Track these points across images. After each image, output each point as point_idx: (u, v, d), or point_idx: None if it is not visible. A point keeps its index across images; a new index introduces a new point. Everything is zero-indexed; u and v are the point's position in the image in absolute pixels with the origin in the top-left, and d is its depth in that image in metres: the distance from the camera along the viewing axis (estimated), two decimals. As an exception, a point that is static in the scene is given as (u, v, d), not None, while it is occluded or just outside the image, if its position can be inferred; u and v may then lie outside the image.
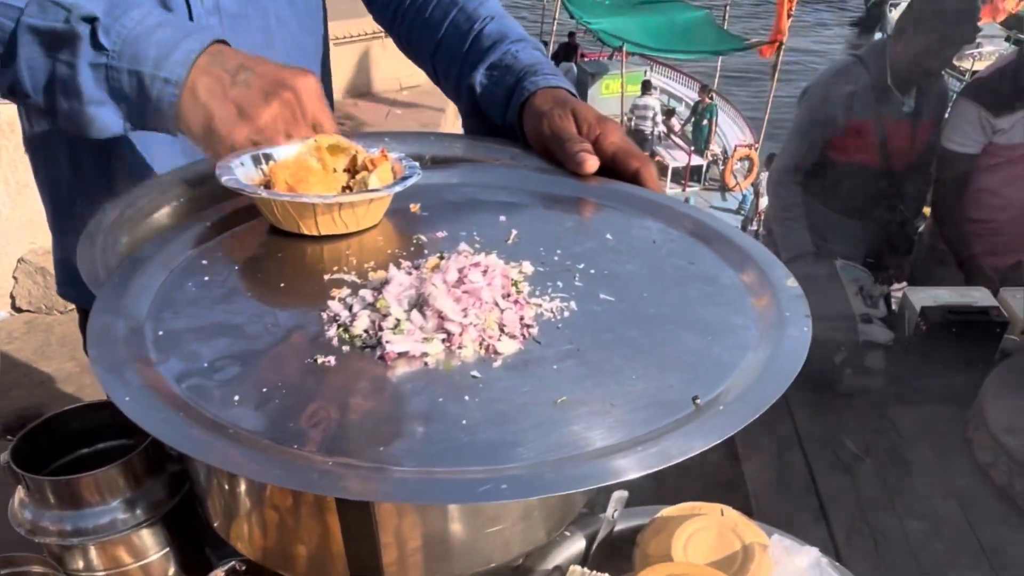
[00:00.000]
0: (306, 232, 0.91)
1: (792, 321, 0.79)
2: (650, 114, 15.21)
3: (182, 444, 0.61)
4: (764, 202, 12.61)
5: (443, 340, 0.74)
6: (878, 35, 20.23)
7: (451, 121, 6.10)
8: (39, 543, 0.91)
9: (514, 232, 0.95)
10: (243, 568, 0.91)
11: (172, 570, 0.97)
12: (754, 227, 12.33)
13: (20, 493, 0.92)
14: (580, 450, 0.64)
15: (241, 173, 0.90)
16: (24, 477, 0.89)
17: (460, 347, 0.74)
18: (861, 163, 3.07)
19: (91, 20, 0.91)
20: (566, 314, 0.80)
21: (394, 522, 0.73)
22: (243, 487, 0.76)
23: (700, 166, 15.54)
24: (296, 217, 0.90)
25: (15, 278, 3.59)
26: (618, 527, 1.00)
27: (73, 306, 3.59)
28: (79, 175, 1.25)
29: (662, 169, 15.30)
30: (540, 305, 0.81)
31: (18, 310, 3.64)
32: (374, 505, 0.69)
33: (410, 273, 0.81)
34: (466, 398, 0.68)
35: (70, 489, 0.89)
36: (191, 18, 1.15)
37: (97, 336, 0.71)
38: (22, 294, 3.61)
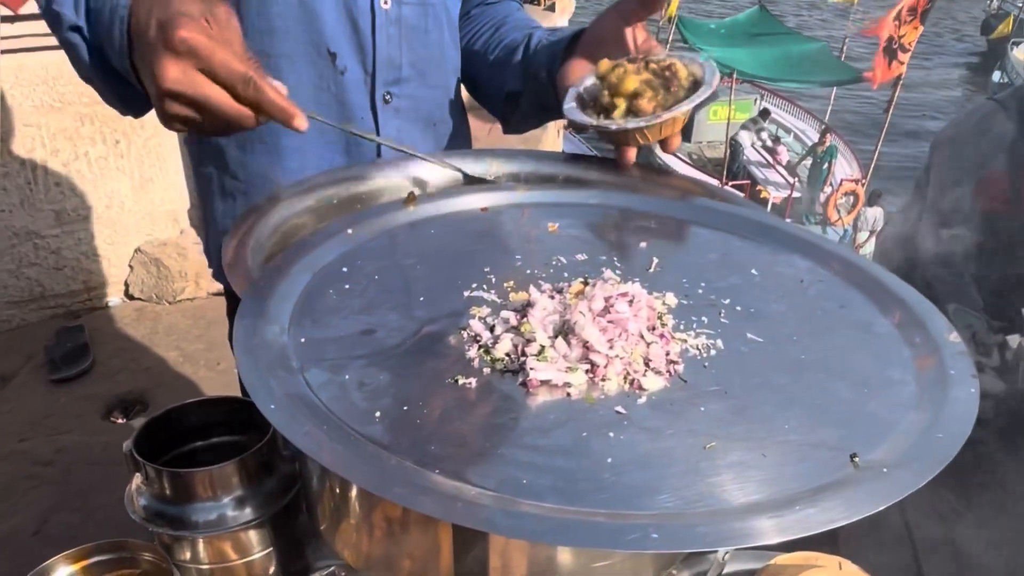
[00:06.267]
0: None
1: (958, 380, 0.74)
2: (763, 133, 15.01)
3: (324, 458, 0.60)
4: (861, 237, 12.23)
5: (587, 371, 0.71)
6: (996, 74, 19.46)
7: (552, 138, 6.09)
8: (151, 531, 0.92)
9: (655, 260, 0.91)
10: (342, 575, 0.91)
11: (273, 569, 0.97)
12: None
13: (137, 480, 0.93)
14: (731, 503, 0.60)
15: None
16: (144, 466, 0.90)
17: (604, 379, 0.71)
18: (991, 211, 2.92)
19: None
20: (712, 352, 0.77)
21: (505, 547, 0.71)
22: (355, 495, 0.75)
23: (799, 198, 15.22)
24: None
25: (131, 267, 3.73)
26: (727, 569, 0.95)
27: (180, 298, 3.71)
28: (227, 161, 1.29)
29: (762, 203, 15.02)
30: (685, 341, 0.77)
31: (131, 297, 3.77)
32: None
33: (553, 297, 0.79)
34: (611, 435, 0.65)
35: (186, 482, 0.90)
36: (374, 25, 1.18)
37: (243, 341, 0.71)
38: (135, 283, 3.73)
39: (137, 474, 0.92)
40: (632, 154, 1.07)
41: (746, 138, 14.94)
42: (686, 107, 1.01)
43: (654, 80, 1.03)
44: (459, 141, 1.38)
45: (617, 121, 1.02)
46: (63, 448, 2.76)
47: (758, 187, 14.72)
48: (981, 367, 2.39)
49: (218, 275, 1.42)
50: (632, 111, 1.02)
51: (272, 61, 1.18)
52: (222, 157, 1.29)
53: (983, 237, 2.92)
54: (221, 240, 1.38)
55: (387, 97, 1.23)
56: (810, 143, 15.41)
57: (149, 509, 0.91)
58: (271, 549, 0.95)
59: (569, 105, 1.08)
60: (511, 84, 1.29)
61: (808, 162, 15.11)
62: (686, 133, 16.57)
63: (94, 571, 0.90)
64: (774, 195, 14.81)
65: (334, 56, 1.18)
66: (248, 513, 0.91)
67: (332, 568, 0.90)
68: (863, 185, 14.03)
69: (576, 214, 1.02)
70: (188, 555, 0.92)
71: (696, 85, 1.04)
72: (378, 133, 1.24)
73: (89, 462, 2.67)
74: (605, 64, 1.06)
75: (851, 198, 14.18)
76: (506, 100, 1.33)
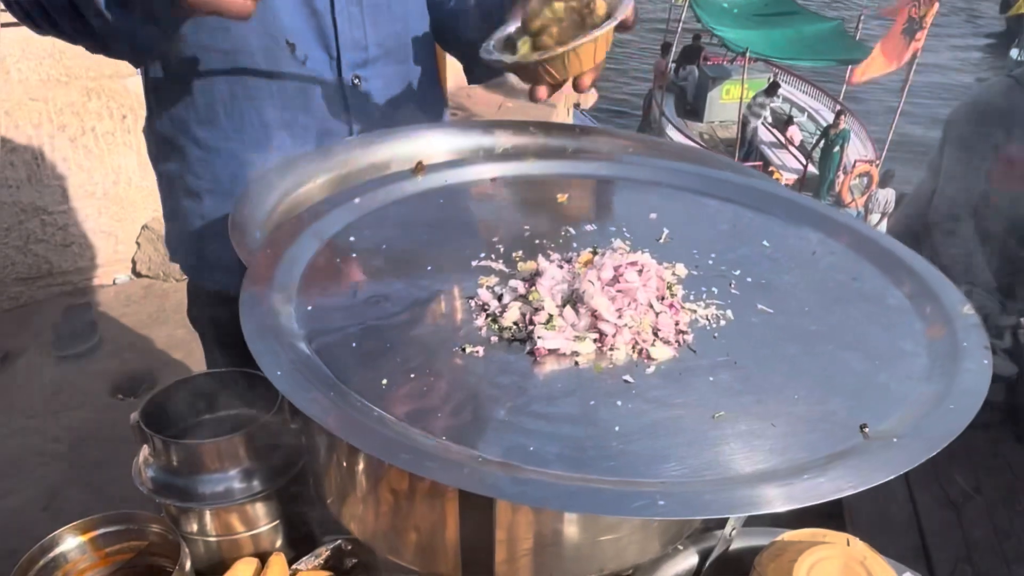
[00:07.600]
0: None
1: (970, 352, 0.73)
2: (764, 112, 14.88)
3: (329, 424, 0.60)
4: (873, 219, 12.15)
5: (595, 340, 0.71)
6: (1014, 51, 19.23)
7: (561, 116, 6.05)
8: (159, 503, 0.92)
9: (666, 231, 0.91)
10: (348, 548, 0.90)
11: (279, 542, 0.97)
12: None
13: (145, 452, 0.93)
14: (739, 472, 0.59)
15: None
16: (152, 438, 0.90)
17: (612, 349, 0.70)
18: (1007, 189, 2.86)
19: None
20: (722, 323, 0.76)
21: (511, 519, 0.70)
22: (362, 466, 0.75)
23: (811, 181, 15.09)
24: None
25: (138, 243, 3.72)
26: (733, 545, 0.95)
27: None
28: (189, 161, 1.24)
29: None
30: (695, 311, 0.77)
31: (138, 275, 3.77)
32: (496, 500, 0.66)
33: (561, 267, 0.78)
34: (618, 403, 0.65)
35: (193, 454, 0.90)
36: (333, 7, 1.13)
37: (250, 307, 0.70)
38: (143, 260, 3.73)
39: (145, 446, 0.93)
40: (542, 92, 0.99)
41: (751, 120, 14.81)
42: (578, 42, 0.95)
43: (568, 17, 0.98)
44: (435, 111, 1.33)
45: (513, 56, 0.98)
46: (71, 425, 2.76)
47: (770, 168, 14.60)
48: (993, 349, 2.35)
49: (185, 267, 1.41)
50: (537, 48, 0.98)
51: (230, 57, 1.11)
52: (185, 156, 1.24)
53: (998, 216, 2.88)
54: (189, 236, 1.31)
55: (356, 81, 1.17)
56: (824, 123, 15.23)
57: (156, 481, 0.92)
58: (278, 522, 0.95)
59: (486, 46, 1.03)
60: (467, 32, 1.22)
61: (821, 144, 14.97)
62: (698, 113, 16.44)
63: (101, 543, 0.91)
64: (786, 177, 14.69)
65: (292, 47, 1.11)
66: (255, 485, 0.92)
67: (339, 541, 0.90)
68: (877, 166, 13.88)
69: (586, 185, 1.01)
70: (195, 527, 0.93)
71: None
72: (351, 118, 1.19)
73: (98, 438, 2.67)
74: (533, 4, 1.01)
75: (865, 179, 14.03)
76: (465, 48, 1.26)
